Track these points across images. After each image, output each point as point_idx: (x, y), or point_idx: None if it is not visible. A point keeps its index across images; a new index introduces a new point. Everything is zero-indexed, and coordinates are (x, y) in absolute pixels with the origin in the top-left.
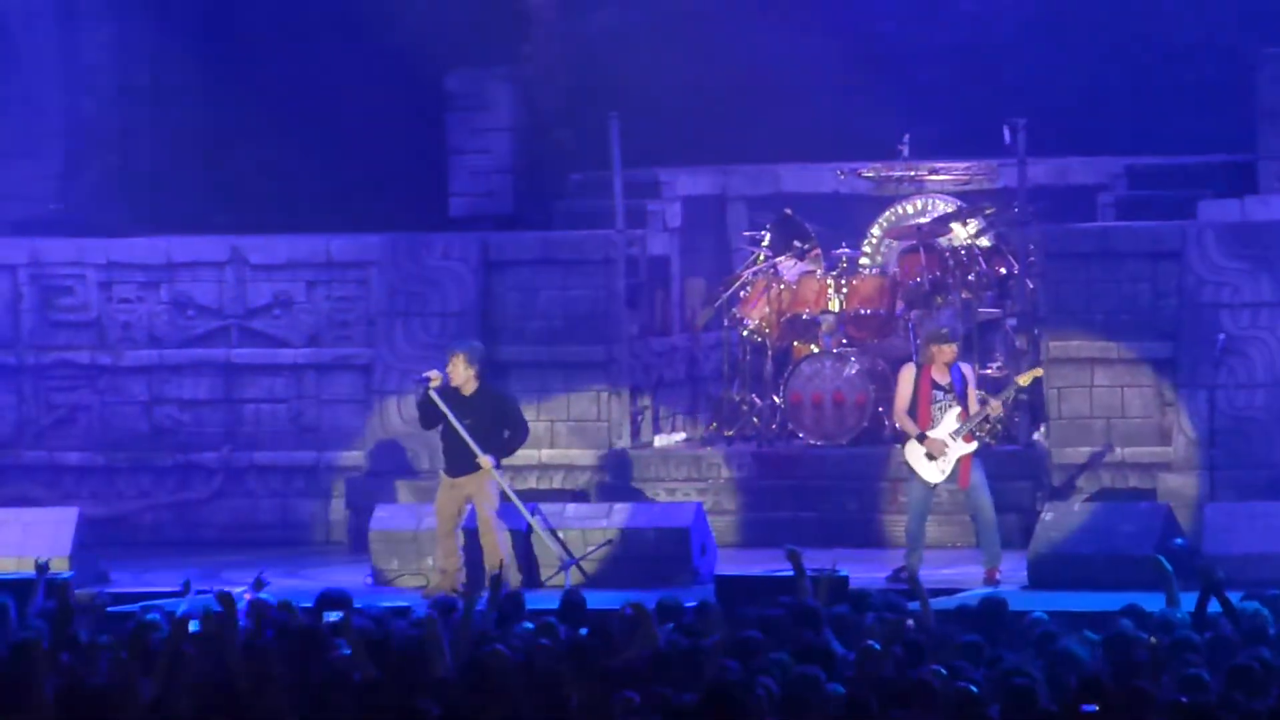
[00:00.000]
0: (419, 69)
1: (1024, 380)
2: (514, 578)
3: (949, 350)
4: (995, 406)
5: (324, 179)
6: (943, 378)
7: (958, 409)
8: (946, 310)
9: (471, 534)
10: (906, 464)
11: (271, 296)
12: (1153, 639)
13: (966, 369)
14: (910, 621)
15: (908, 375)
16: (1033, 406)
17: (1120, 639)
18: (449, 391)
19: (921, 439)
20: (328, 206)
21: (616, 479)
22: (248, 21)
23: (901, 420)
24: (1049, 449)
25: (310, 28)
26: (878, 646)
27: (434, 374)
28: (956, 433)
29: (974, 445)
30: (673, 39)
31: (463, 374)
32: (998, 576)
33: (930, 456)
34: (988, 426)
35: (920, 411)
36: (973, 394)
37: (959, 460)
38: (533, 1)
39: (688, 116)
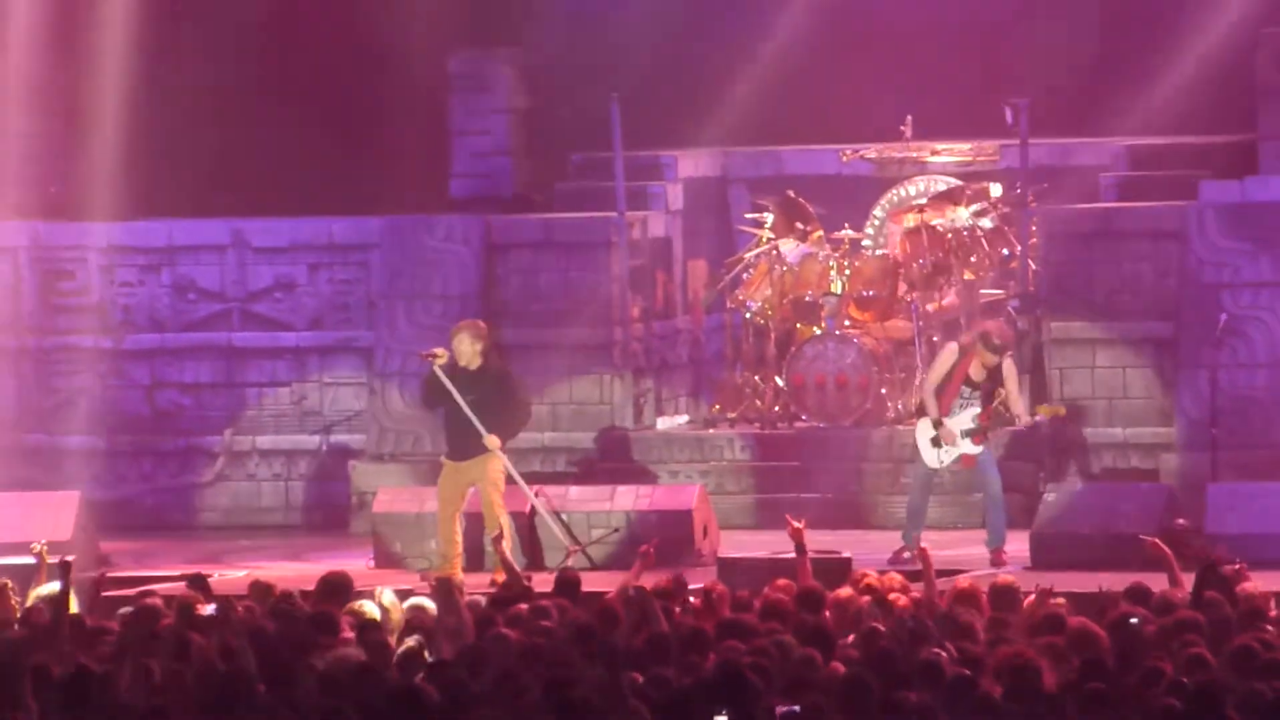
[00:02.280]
0: (421, 50)
1: (1044, 412)
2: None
3: (987, 357)
4: (1003, 410)
5: (326, 161)
6: (978, 374)
7: (977, 409)
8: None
9: (471, 518)
10: (913, 441)
11: (273, 279)
12: (1146, 619)
13: (1009, 369)
14: (909, 611)
15: (948, 355)
16: (1035, 388)
17: (1122, 620)
18: (453, 369)
19: (938, 424)
20: (329, 189)
21: (619, 462)
22: (249, 4)
23: (927, 397)
24: (1051, 430)
25: (312, 9)
26: (881, 628)
27: (440, 351)
28: (969, 432)
29: (981, 449)
30: (674, 20)
31: (469, 350)
32: (1004, 558)
33: (936, 442)
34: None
35: (944, 397)
36: (1013, 393)
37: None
38: None
39: (689, 98)
